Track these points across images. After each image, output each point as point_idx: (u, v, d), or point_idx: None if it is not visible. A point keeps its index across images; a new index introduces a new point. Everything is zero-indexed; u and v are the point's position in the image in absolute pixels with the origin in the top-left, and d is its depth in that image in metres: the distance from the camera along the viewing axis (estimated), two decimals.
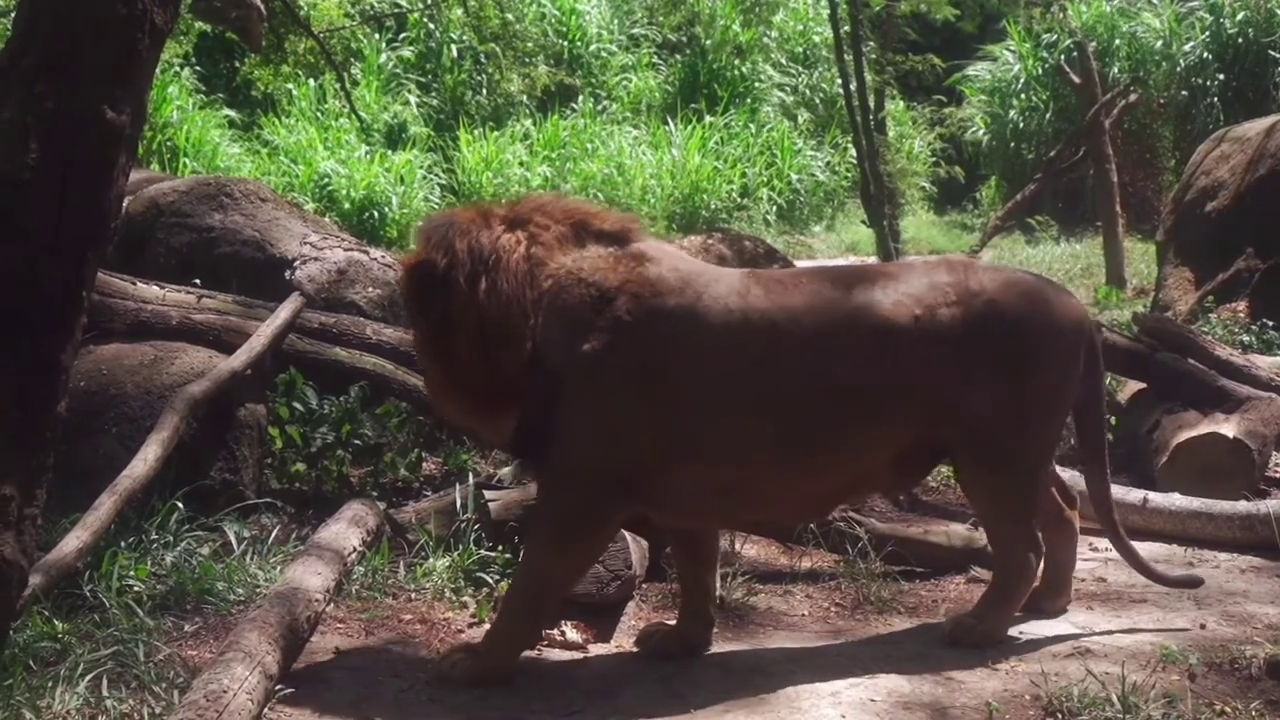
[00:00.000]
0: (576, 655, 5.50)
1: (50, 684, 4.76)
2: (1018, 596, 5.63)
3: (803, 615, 5.91)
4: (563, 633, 5.61)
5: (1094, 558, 6.62)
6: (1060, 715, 4.75)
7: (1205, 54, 20.87)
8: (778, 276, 5.55)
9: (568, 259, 5.24)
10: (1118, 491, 7.13)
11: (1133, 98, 17.14)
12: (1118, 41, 21.73)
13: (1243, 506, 6.89)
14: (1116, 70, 20.96)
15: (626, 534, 5.90)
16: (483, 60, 21.45)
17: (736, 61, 23.61)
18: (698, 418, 5.15)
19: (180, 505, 6.28)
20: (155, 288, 7.54)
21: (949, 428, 5.41)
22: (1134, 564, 5.95)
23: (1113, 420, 8.29)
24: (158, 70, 4.11)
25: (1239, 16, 20.68)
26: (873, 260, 15.31)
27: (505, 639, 5.24)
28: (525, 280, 5.19)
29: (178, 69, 20.27)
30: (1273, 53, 20.19)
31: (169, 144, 19.50)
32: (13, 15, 4.28)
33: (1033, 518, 5.61)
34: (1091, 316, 5.82)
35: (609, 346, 5.12)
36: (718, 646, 5.55)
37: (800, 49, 24.38)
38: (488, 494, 6.28)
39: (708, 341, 5.16)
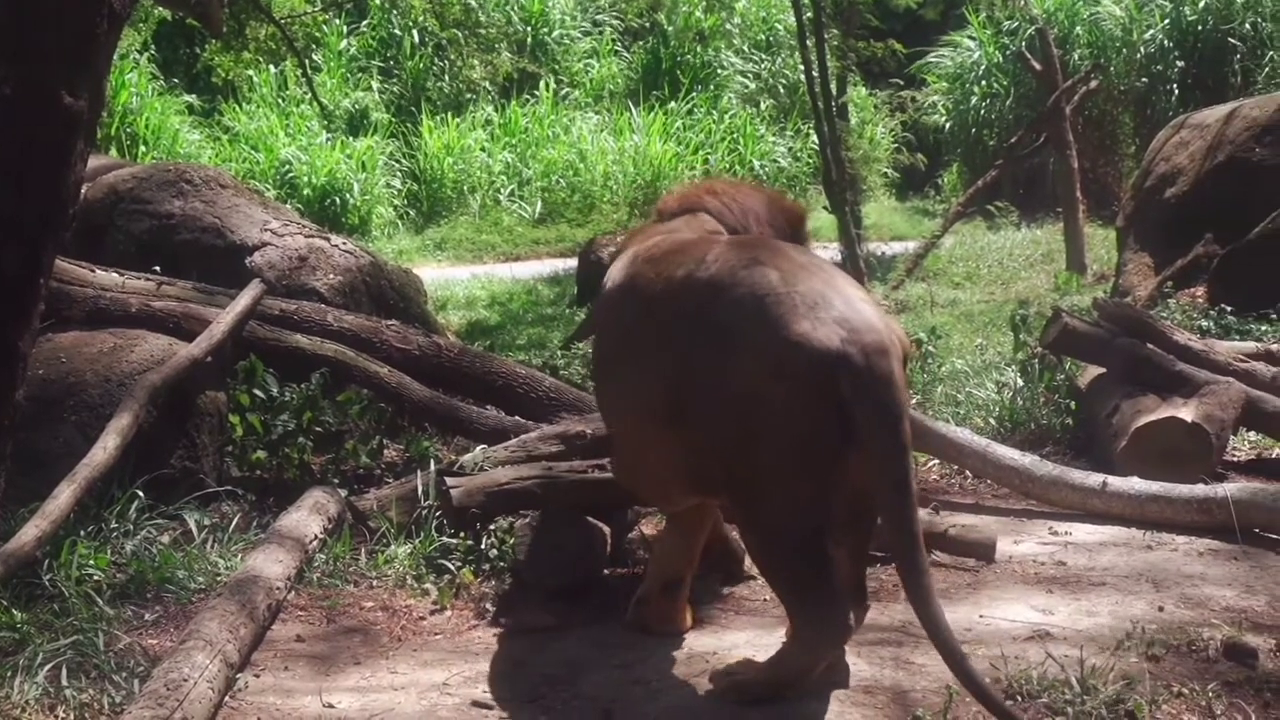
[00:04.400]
0: (543, 636, 5.51)
1: (9, 674, 4.75)
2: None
3: (764, 600, 5.91)
4: (534, 615, 5.62)
5: (1053, 541, 6.64)
6: (1020, 698, 4.76)
7: (1165, 41, 20.90)
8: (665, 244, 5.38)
9: None
10: (1078, 475, 7.19)
11: (1093, 84, 17.21)
12: (1078, 28, 21.78)
13: (1200, 490, 6.91)
14: (1077, 57, 21.00)
15: (589, 519, 5.93)
16: (444, 47, 21.41)
17: (699, 48, 23.58)
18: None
19: (140, 494, 6.27)
20: (114, 275, 7.50)
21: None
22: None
23: (1073, 405, 8.36)
24: (116, 56, 4.08)
25: (1199, 4, 20.74)
26: (834, 249, 15.34)
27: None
28: None
29: (136, 55, 20.16)
30: (1232, 40, 20.26)
31: (128, 131, 19.46)
32: None
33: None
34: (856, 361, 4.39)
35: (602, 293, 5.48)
36: (689, 638, 5.51)
37: (763, 36, 24.34)
38: (449, 481, 6.25)
39: (612, 298, 5.30)
